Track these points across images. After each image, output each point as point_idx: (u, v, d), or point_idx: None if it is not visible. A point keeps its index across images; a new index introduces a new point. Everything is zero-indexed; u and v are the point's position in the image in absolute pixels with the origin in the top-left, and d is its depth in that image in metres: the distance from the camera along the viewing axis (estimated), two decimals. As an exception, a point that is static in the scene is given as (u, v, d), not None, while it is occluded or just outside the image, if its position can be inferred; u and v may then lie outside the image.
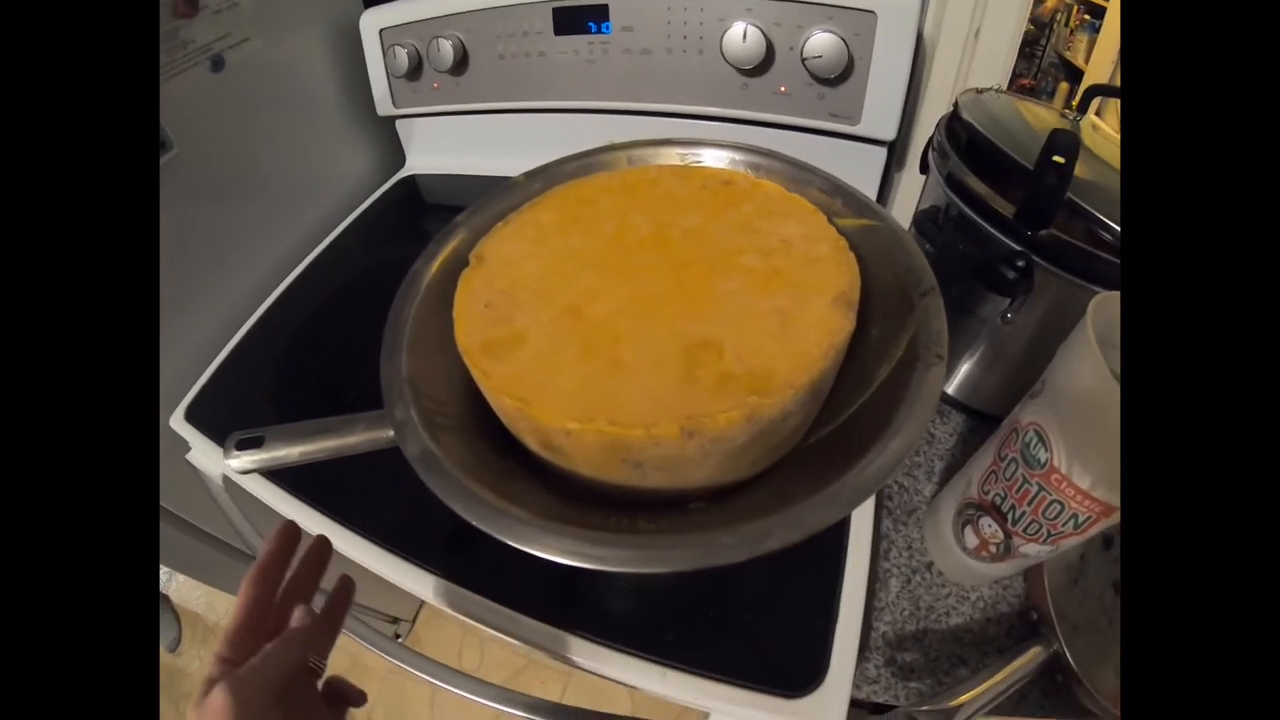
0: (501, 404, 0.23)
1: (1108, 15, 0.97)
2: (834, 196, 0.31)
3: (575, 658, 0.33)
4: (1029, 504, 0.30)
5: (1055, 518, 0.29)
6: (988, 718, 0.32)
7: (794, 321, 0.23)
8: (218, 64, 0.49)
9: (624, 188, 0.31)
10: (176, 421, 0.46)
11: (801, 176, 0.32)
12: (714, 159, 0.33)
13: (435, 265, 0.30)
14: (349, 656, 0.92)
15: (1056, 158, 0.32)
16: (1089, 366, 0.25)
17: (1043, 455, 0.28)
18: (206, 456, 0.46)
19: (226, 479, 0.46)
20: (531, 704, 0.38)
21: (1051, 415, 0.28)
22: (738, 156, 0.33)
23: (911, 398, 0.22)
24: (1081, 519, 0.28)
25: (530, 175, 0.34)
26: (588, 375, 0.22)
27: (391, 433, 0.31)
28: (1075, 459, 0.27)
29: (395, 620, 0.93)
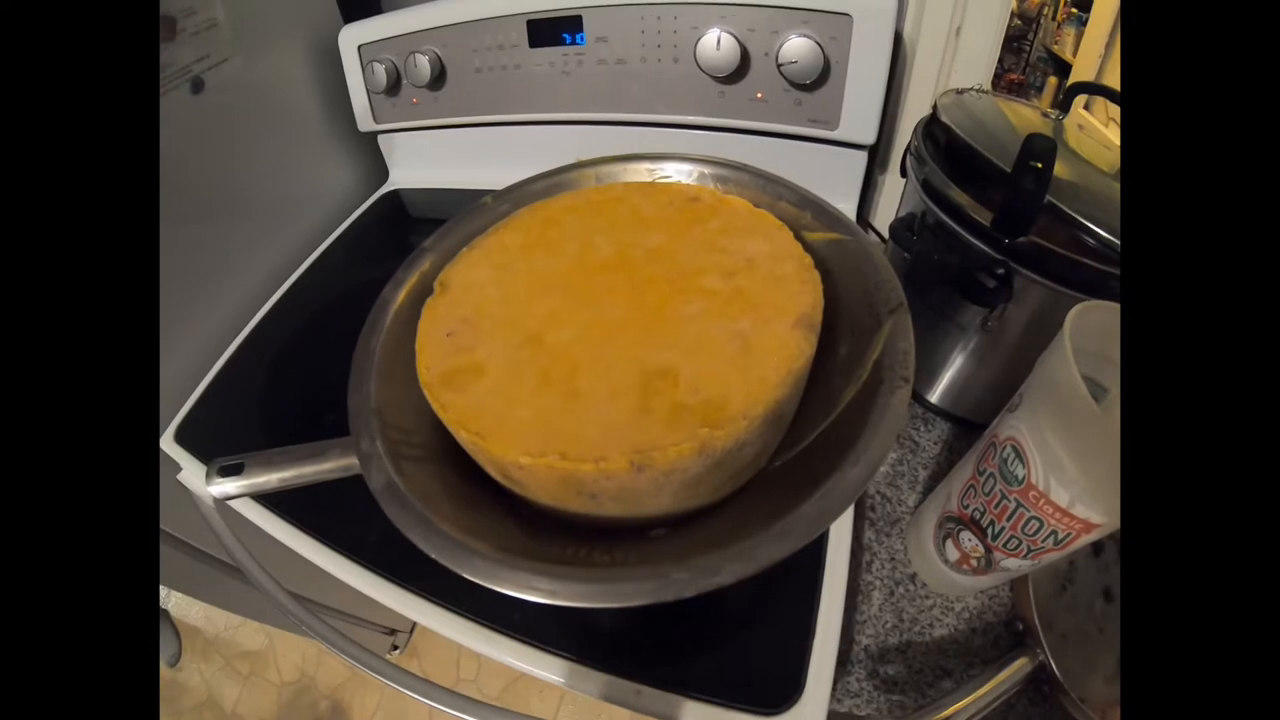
0: (459, 437, 0.22)
1: (1095, 8, 0.95)
2: (803, 209, 0.31)
3: (554, 676, 0.33)
4: (1008, 520, 0.29)
5: (1035, 534, 0.28)
6: (973, 730, 0.32)
7: (754, 347, 0.23)
8: (197, 85, 0.49)
9: (589, 207, 0.31)
10: (166, 443, 0.47)
11: (771, 189, 0.32)
12: (682, 173, 0.33)
13: (403, 293, 0.30)
14: (348, 668, 0.93)
15: (1034, 163, 0.31)
16: (1066, 381, 0.24)
17: (1020, 471, 0.28)
18: (197, 478, 0.46)
19: (217, 500, 0.46)
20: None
21: (1028, 430, 0.27)
22: (706, 170, 0.33)
23: (874, 423, 0.22)
24: (1061, 536, 0.27)
25: (498, 196, 0.34)
26: (544, 407, 0.22)
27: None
28: (1053, 475, 0.26)
29: (392, 632, 0.94)
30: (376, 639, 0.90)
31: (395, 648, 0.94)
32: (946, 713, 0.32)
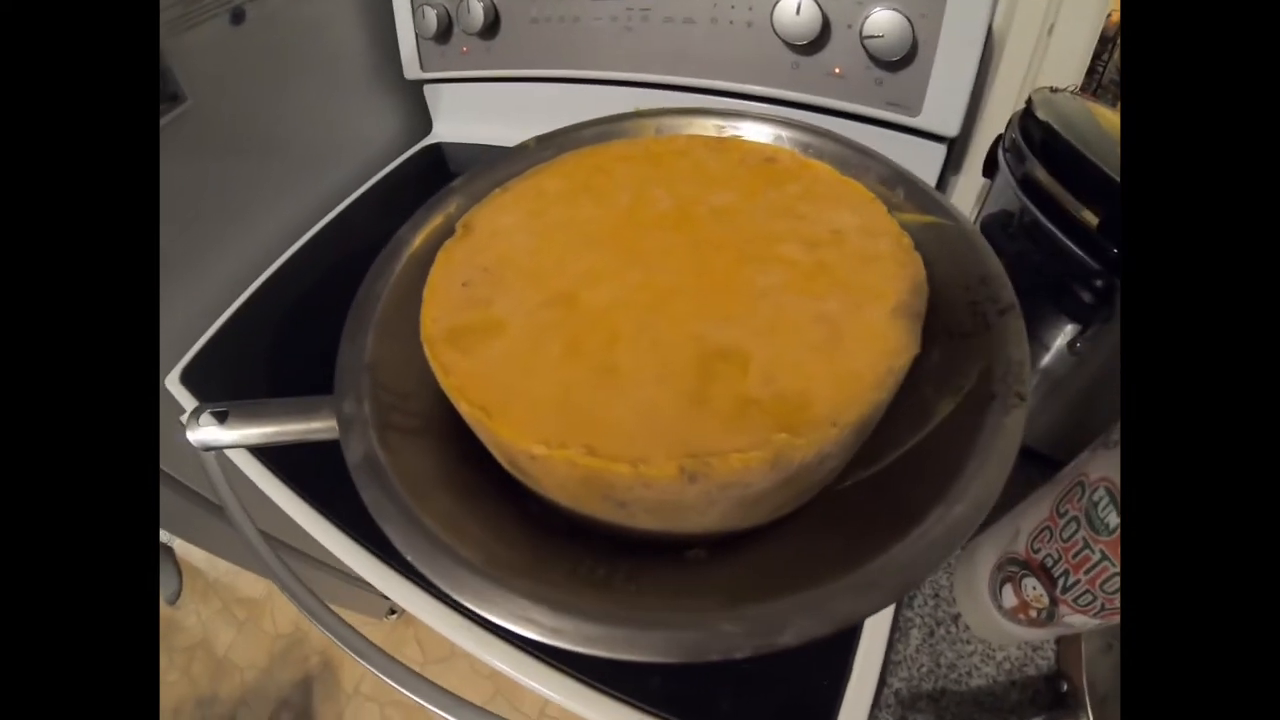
0: (459, 409, 0.17)
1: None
2: (895, 186, 0.25)
3: (554, 694, 0.27)
4: (1086, 572, 0.23)
5: (1115, 591, 0.22)
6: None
7: (843, 334, 0.17)
8: (238, 16, 0.44)
9: (647, 157, 0.25)
10: (171, 382, 0.42)
11: (858, 161, 0.26)
12: (756, 133, 0.27)
13: (421, 237, 0.25)
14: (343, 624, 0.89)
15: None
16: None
17: (1113, 520, 0.22)
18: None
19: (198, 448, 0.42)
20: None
21: (1131, 474, 0.21)
22: (784, 133, 0.27)
23: (983, 448, 0.16)
24: (1153, 598, 0.21)
25: (541, 140, 0.28)
26: (571, 382, 0.16)
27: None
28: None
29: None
30: (375, 602, 0.86)
31: (393, 612, 0.90)
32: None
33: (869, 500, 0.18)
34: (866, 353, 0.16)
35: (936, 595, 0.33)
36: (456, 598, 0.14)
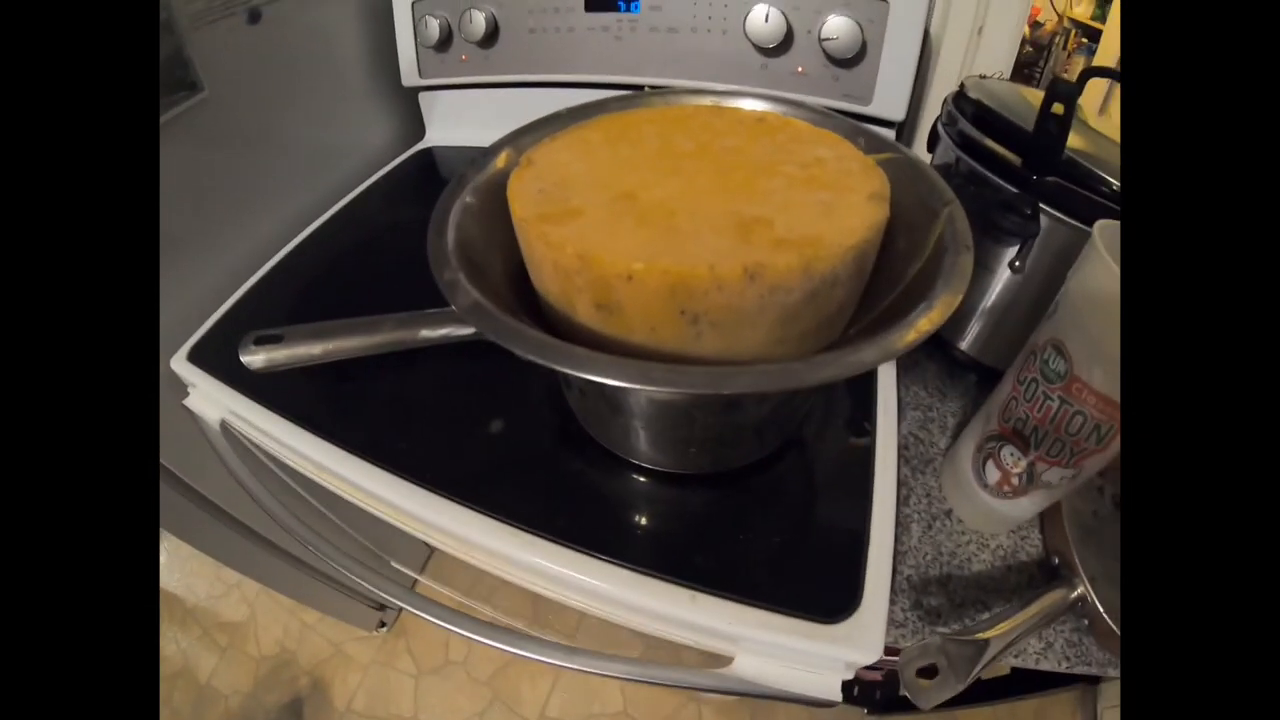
0: (561, 258, 0.24)
1: (1103, 39, 1.08)
2: (856, 137, 0.35)
3: (603, 584, 0.33)
4: (1051, 421, 0.31)
5: (1078, 432, 0.30)
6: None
7: (836, 209, 0.26)
8: (255, 16, 0.52)
9: (664, 119, 0.34)
10: (178, 363, 0.47)
11: (824, 122, 0.36)
12: (744, 105, 0.37)
13: (481, 175, 0.33)
14: (331, 645, 0.91)
15: (1056, 106, 0.36)
16: (1100, 271, 0.27)
17: (1062, 367, 0.30)
18: (206, 399, 0.46)
19: (224, 424, 0.46)
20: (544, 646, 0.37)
21: (1069, 327, 0.30)
22: (766, 105, 0.37)
23: (945, 275, 0.25)
24: (1104, 429, 0.30)
25: (572, 110, 0.37)
26: (646, 237, 0.24)
27: (419, 332, 0.32)
28: (1095, 363, 0.29)
29: (381, 608, 0.91)
30: (365, 614, 0.87)
31: (383, 624, 0.92)
32: (995, 631, 0.32)
33: (869, 335, 0.27)
34: (855, 215, 0.25)
35: (929, 495, 0.41)
36: (581, 374, 0.21)
